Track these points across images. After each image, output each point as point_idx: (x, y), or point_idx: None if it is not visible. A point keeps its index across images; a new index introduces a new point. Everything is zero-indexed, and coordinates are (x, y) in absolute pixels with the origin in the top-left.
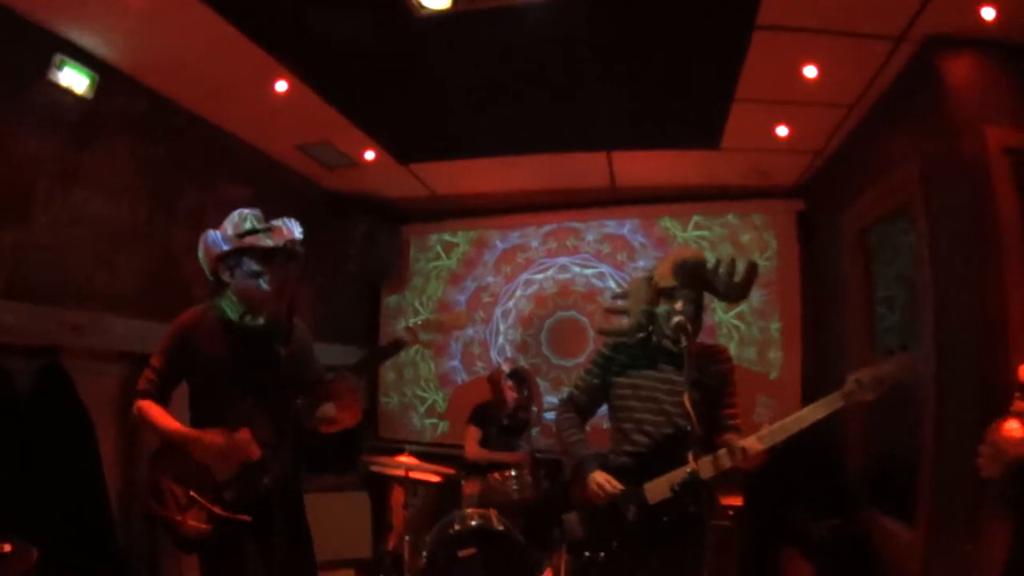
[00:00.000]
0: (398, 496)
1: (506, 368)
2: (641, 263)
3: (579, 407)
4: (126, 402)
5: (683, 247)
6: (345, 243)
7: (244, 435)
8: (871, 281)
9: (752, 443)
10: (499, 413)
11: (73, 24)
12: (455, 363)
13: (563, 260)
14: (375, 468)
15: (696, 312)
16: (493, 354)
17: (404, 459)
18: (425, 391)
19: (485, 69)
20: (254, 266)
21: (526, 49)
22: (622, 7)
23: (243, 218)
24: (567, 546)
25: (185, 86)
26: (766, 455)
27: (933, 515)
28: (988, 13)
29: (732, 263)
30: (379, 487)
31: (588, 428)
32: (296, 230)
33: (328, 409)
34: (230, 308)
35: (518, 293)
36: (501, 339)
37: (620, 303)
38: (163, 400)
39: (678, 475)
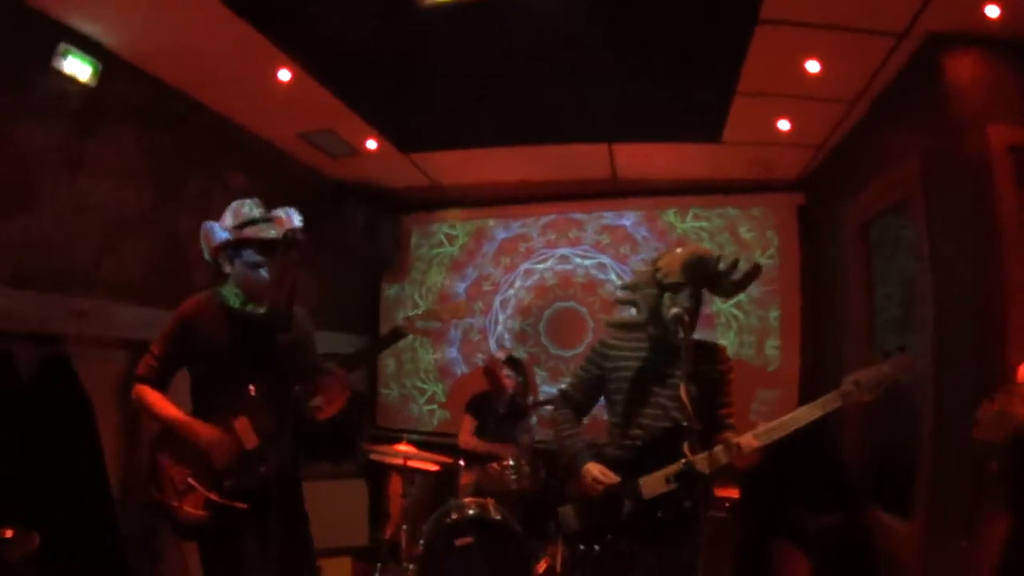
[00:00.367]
0: (396, 485)
1: (501, 355)
2: (641, 254)
3: (575, 402)
4: (129, 390)
5: (693, 243)
6: (346, 232)
7: (242, 423)
8: (871, 275)
9: (748, 440)
10: (496, 402)
11: (77, 12)
12: (455, 354)
13: (563, 251)
14: (373, 456)
15: (695, 307)
16: (492, 343)
17: (402, 448)
18: (425, 382)
19: (487, 59)
20: (254, 257)
21: (528, 40)
22: None
23: (243, 208)
24: (563, 538)
25: (189, 74)
26: (760, 453)
27: (930, 510)
28: (992, 11)
29: (735, 262)
30: (377, 475)
31: (585, 422)
32: (296, 219)
33: (316, 401)
34: (232, 296)
35: (518, 283)
36: (500, 328)
37: (629, 295)
38: (162, 386)
39: (674, 470)
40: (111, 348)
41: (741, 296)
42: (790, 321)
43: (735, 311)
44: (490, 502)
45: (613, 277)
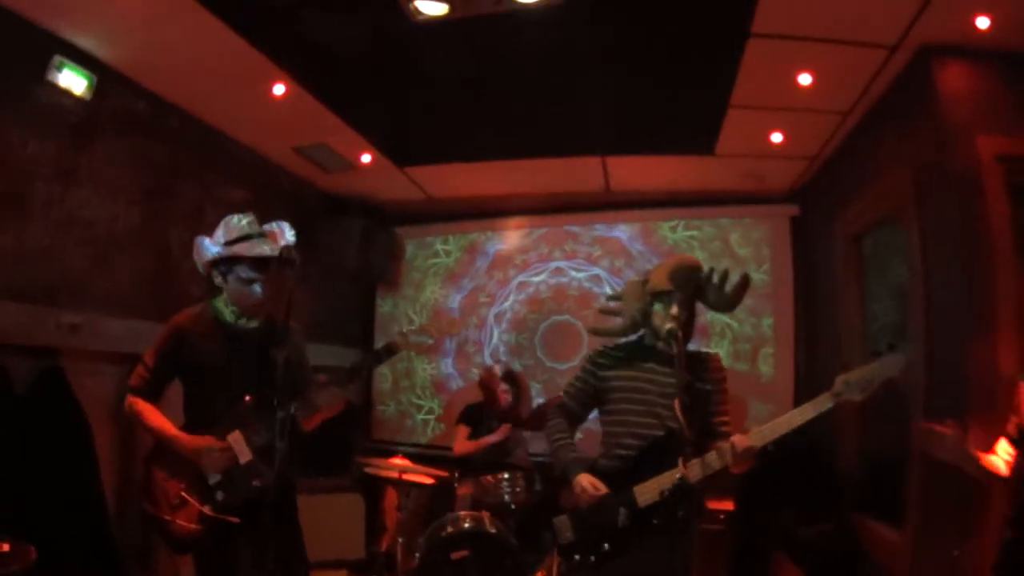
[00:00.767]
0: (391, 498)
1: (498, 370)
2: (635, 267)
3: (569, 413)
4: (123, 402)
5: (680, 253)
6: (341, 245)
7: (236, 437)
8: (864, 286)
9: (742, 440)
10: (490, 413)
11: (72, 26)
12: (450, 369)
13: (557, 264)
14: (369, 470)
15: (688, 318)
16: (486, 356)
17: (398, 461)
18: (421, 398)
19: (481, 74)
20: (248, 272)
21: (522, 55)
22: (618, 13)
23: (235, 223)
24: (558, 549)
25: (183, 88)
26: (755, 459)
27: (922, 519)
28: (982, 22)
29: (725, 273)
30: (373, 489)
31: (580, 435)
32: (289, 234)
33: (303, 408)
34: (225, 310)
35: (512, 296)
36: (495, 340)
37: (613, 304)
38: (154, 398)
39: (668, 479)
40: (104, 361)
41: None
42: (783, 332)
43: (729, 320)
44: (486, 515)
45: (607, 289)
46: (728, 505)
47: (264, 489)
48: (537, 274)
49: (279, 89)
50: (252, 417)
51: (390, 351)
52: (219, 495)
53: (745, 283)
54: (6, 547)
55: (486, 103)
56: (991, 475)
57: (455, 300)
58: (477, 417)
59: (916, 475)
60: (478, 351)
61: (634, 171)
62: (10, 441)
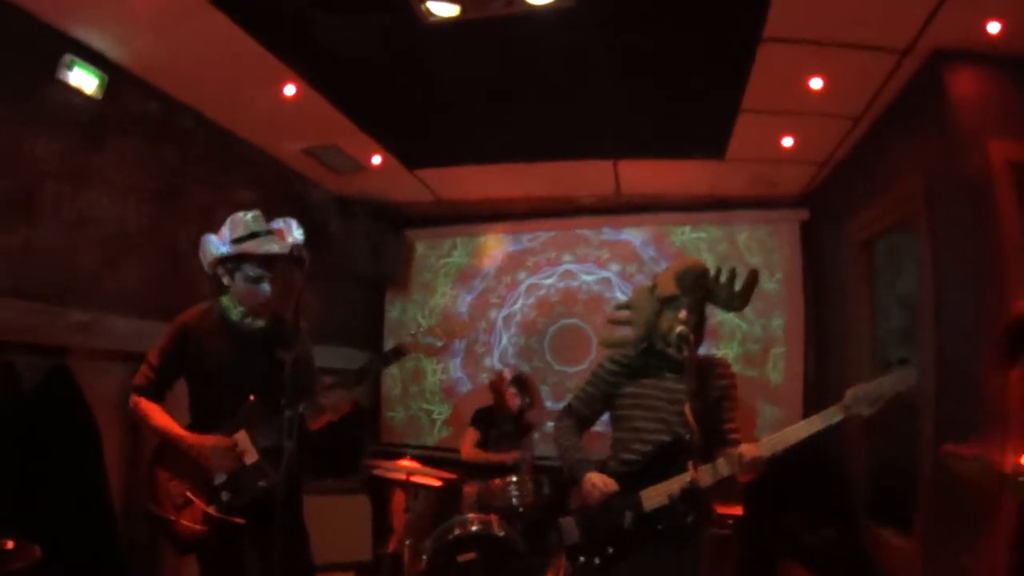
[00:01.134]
0: (399, 500)
1: (508, 374)
2: (646, 271)
3: (578, 417)
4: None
5: (685, 256)
6: (350, 246)
7: (242, 437)
8: (874, 292)
9: (750, 449)
10: (500, 417)
11: (83, 24)
12: (459, 374)
13: (567, 267)
14: (376, 471)
15: (698, 322)
16: (495, 360)
17: (405, 463)
18: (431, 403)
19: (493, 76)
20: (255, 271)
21: (533, 57)
22: (629, 16)
23: (242, 222)
24: (564, 550)
25: (194, 88)
26: (763, 468)
27: (930, 525)
28: (994, 27)
29: (733, 272)
30: (380, 490)
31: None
32: (297, 232)
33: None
34: (232, 309)
35: (522, 299)
36: (505, 343)
37: (624, 314)
38: (159, 397)
39: (676, 483)
40: (112, 361)
41: (745, 313)
42: (793, 337)
43: (739, 321)
44: (493, 518)
45: (618, 293)
46: (736, 510)
47: (270, 490)
48: (547, 277)
49: (290, 90)
50: (258, 417)
51: (399, 353)
52: (224, 495)
53: (754, 280)
54: (11, 545)
55: (496, 105)
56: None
57: (464, 303)
58: (487, 421)
59: (925, 481)
60: (487, 354)
61: (645, 175)
62: (17, 439)
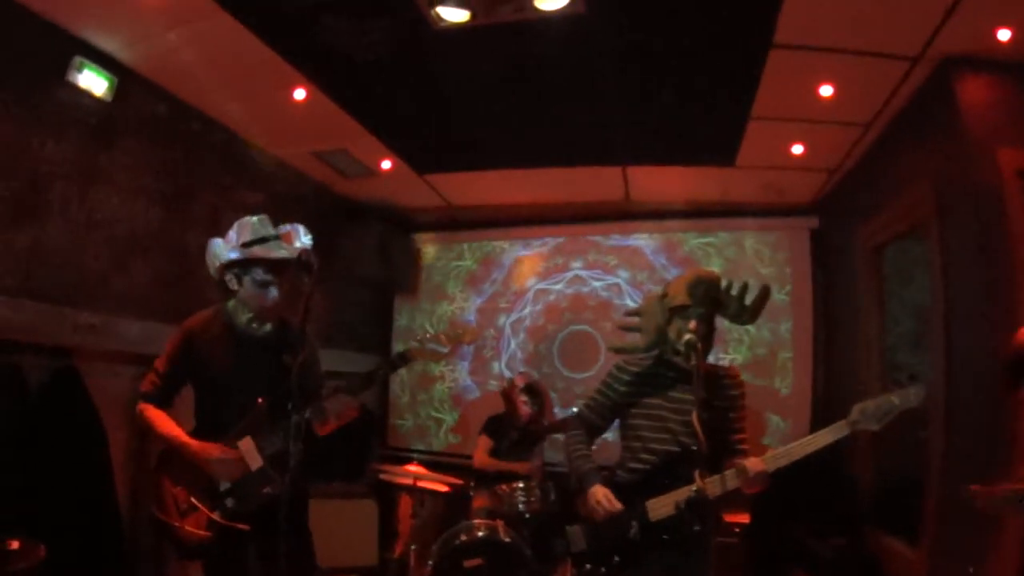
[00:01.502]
0: (406, 505)
1: (520, 382)
2: (655, 277)
3: (588, 424)
4: (136, 405)
5: (698, 266)
6: (359, 251)
7: (247, 443)
8: (884, 300)
9: (756, 464)
10: (511, 425)
11: (93, 27)
12: (468, 382)
13: (576, 273)
14: (383, 476)
15: (708, 332)
16: (504, 365)
17: (413, 468)
18: (439, 411)
19: (503, 81)
20: (263, 276)
21: (544, 62)
22: (640, 23)
23: (249, 226)
24: (570, 558)
25: (203, 91)
26: (769, 481)
27: (938, 535)
28: (1004, 34)
29: (745, 286)
30: (387, 495)
31: (595, 445)
32: (305, 237)
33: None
34: (238, 314)
35: (530, 305)
36: (513, 347)
37: (633, 320)
38: (166, 403)
39: (684, 493)
40: (119, 363)
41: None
42: (802, 346)
43: (747, 330)
44: (500, 524)
45: (627, 300)
46: (744, 518)
47: (275, 496)
48: (556, 283)
49: (300, 94)
50: (264, 423)
51: (405, 359)
52: (229, 502)
53: (765, 295)
54: (15, 545)
55: (507, 111)
56: None
57: (473, 308)
58: (499, 429)
59: (933, 491)
60: (495, 359)
61: (654, 181)
62: (24, 440)
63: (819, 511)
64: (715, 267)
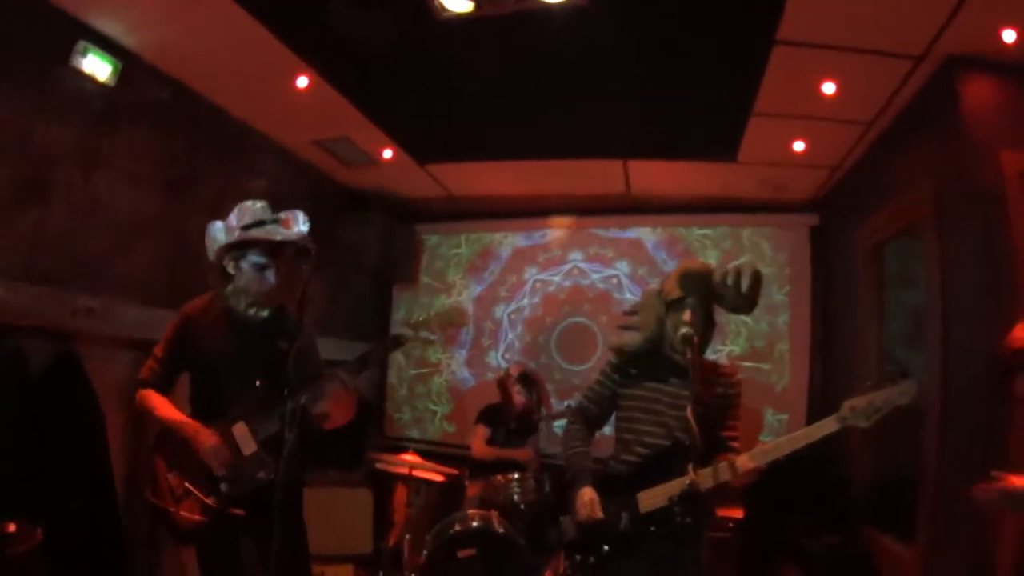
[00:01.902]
0: (401, 494)
1: (515, 372)
2: (654, 271)
3: (588, 417)
4: (135, 389)
5: (690, 258)
6: (359, 240)
7: (241, 429)
8: (883, 298)
9: (744, 460)
10: (507, 415)
11: (98, 11)
12: (465, 374)
13: (575, 265)
14: (379, 465)
15: (705, 324)
16: (501, 356)
17: (408, 457)
18: (437, 404)
19: (505, 73)
20: (260, 259)
21: (546, 54)
22: (643, 17)
23: (250, 210)
24: (563, 547)
25: (207, 77)
26: (756, 474)
27: (932, 534)
28: (1009, 35)
29: (737, 274)
30: (382, 484)
31: (596, 437)
32: (303, 223)
33: (322, 406)
34: (236, 299)
35: (529, 296)
36: (511, 337)
37: (632, 319)
38: (165, 389)
39: (676, 486)
40: (119, 347)
41: (753, 314)
42: (800, 342)
43: (745, 319)
44: (494, 514)
45: (626, 293)
46: (737, 513)
47: (269, 481)
48: (555, 275)
49: (302, 81)
50: (259, 408)
51: (397, 343)
52: (223, 487)
53: (758, 280)
54: (12, 527)
55: (509, 102)
56: None
57: (471, 298)
58: (495, 419)
59: (928, 489)
60: (492, 349)
61: (655, 175)
62: (23, 423)
63: (813, 508)
64: (713, 261)
